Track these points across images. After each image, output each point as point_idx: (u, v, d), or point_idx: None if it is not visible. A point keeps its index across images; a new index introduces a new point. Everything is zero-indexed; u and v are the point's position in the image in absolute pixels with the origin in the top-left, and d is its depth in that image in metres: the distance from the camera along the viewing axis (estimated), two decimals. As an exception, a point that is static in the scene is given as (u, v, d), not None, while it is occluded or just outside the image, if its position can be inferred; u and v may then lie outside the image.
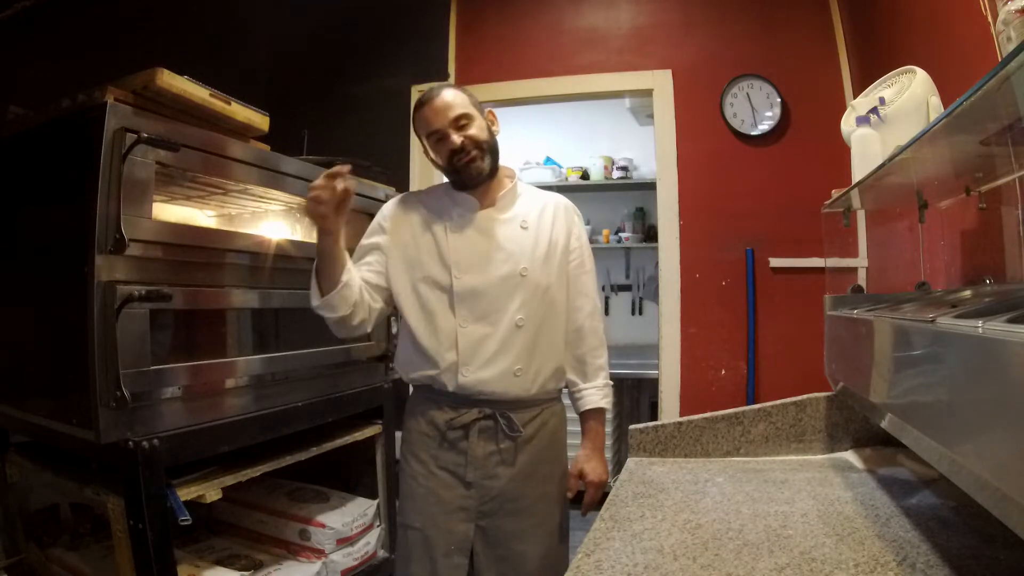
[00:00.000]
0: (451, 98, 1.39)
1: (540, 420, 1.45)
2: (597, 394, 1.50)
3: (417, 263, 1.42)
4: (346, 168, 1.28)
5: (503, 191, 1.46)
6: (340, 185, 1.26)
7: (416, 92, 3.08)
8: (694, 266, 2.80)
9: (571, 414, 1.57)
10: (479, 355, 1.37)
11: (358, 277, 1.39)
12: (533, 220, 1.46)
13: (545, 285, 1.43)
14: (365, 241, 1.48)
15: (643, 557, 0.93)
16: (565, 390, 1.55)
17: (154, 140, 1.41)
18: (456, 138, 1.37)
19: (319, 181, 1.26)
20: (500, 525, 1.39)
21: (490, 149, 1.42)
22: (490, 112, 1.47)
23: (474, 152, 1.38)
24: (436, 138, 1.40)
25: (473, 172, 1.40)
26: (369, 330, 1.50)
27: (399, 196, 1.54)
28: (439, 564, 1.37)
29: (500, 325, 1.38)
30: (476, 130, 1.39)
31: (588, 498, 1.50)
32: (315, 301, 1.36)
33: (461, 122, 1.38)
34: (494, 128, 1.47)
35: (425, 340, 1.40)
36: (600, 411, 1.51)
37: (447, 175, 1.46)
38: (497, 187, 1.47)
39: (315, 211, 1.27)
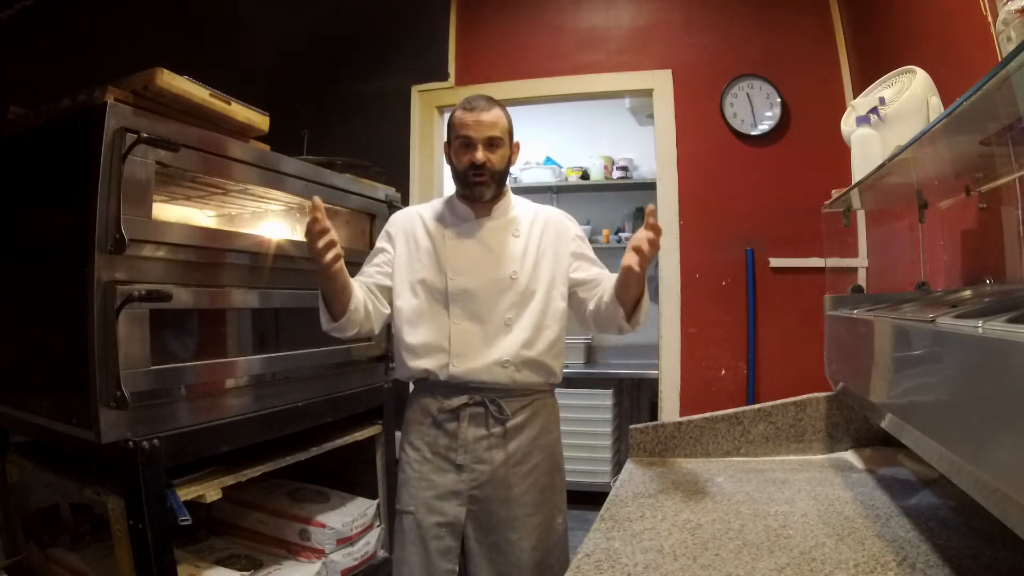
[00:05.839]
0: (495, 118, 1.49)
1: (531, 410, 1.50)
2: None
3: (416, 265, 1.52)
4: (319, 203, 1.30)
5: (498, 203, 1.56)
6: (318, 229, 1.29)
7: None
8: (694, 266, 2.80)
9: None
10: (469, 348, 1.46)
11: (363, 299, 1.46)
12: (524, 229, 1.55)
13: (533, 289, 1.50)
14: (377, 245, 1.61)
15: (643, 557, 0.93)
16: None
17: (154, 140, 1.41)
18: (481, 156, 1.46)
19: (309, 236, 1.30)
20: (491, 512, 1.45)
21: (500, 180, 1.52)
22: (517, 143, 1.57)
23: (486, 178, 1.48)
24: (464, 143, 1.48)
25: (476, 193, 1.51)
26: (376, 332, 1.59)
27: (405, 208, 1.69)
28: (430, 546, 1.43)
29: (490, 323, 1.47)
30: (498, 158, 1.50)
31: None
32: (326, 326, 1.45)
33: (492, 143, 1.48)
34: (513, 159, 1.56)
35: (420, 336, 1.48)
36: None
37: (456, 180, 1.55)
38: (493, 200, 1.55)
39: (318, 251, 1.30)
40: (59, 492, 1.83)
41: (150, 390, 1.45)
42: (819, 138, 2.61)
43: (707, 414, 1.51)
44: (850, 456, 1.45)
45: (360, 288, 1.48)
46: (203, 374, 1.64)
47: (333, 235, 1.31)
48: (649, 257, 1.28)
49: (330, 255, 1.31)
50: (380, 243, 1.60)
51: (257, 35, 3.15)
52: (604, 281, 1.50)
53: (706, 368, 2.79)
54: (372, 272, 1.55)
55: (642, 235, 1.27)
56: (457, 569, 1.44)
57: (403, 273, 1.53)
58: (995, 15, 1.02)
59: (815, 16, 2.74)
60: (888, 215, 2.17)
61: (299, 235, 2.21)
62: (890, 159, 1.21)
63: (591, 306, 1.50)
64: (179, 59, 1.60)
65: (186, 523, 1.45)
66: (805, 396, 1.50)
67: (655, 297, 3.27)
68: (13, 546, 1.77)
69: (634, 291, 1.38)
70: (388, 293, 1.53)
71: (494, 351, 1.45)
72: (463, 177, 1.50)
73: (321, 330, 1.48)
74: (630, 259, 1.29)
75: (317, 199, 1.31)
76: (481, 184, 1.49)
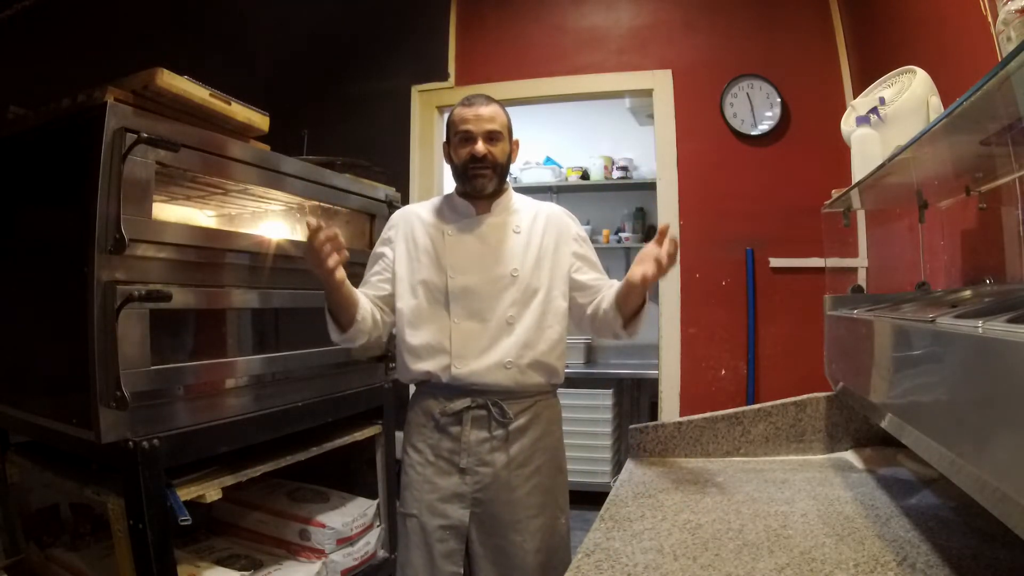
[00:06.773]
0: (494, 112, 1.50)
1: (533, 412, 1.49)
2: None
3: (416, 266, 1.51)
4: (314, 223, 1.30)
5: (498, 199, 1.55)
6: (323, 236, 1.29)
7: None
8: (694, 266, 2.80)
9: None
10: (471, 349, 1.44)
11: (369, 308, 1.48)
12: (525, 226, 1.54)
13: (535, 287, 1.49)
14: (375, 251, 1.60)
15: (643, 557, 0.93)
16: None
17: (154, 140, 1.41)
18: (481, 147, 1.47)
19: (313, 244, 1.30)
20: (495, 514, 1.44)
21: (501, 173, 1.52)
22: (516, 141, 1.57)
23: (488, 171, 1.48)
24: (464, 137, 1.48)
25: (478, 186, 1.50)
26: (384, 341, 1.60)
27: (404, 207, 1.66)
28: (435, 549, 1.43)
29: (491, 322, 1.46)
30: (499, 151, 1.50)
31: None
32: (336, 338, 1.47)
33: (492, 136, 1.48)
34: (513, 155, 1.56)
35: (421, 336, 1.47)
36: None
37: (455, 176, 1.54)
38: (493, 195, 1.55)
39: (319, 267, 1.32)
40: (59, 492, 1.83)
41: (150, 390, 1.45)
42: (819, 138, 2.61)
43: (707, 414, 1.51)
44: (850, 456, 1.44)
45: (365, 298, 1.48)
46: (203, 374, 1.64)
47: (340, 239, 1.31)
48: (666, 271, 1.28)
49: (332, 261, 1.31)
50: (379, 248, 1.59)
51: (257, 35, 3.15)
52: (603, 288, 1.51)
53: (706, 368, 2.79)
54: (374, 282, 1.55)
55: (656, 250, 1.27)
56: (461, 571, 1.44)
57: (404, 274, 1.52)
58: (995, 15, 1.02)
59: (815, 16, 2.74)
60: (888, 215, 2.17)
61: (299, 235, 2.21)
62: (890, 159, 1.21)
63: (588, 311, 1.50)
64: (179, 59, 1.60)
65: (186, 523, 1.45)
66: (805, 396, 1.50)
67: (655, 297, 3.27)
68: (13, 546, 1.77)
69: (635, 301, 1.40)
70: (391, 300, 1.53)
71: (496, 351, 1.44)
72: (463, 171, 1.49)
73: (321, 331, 1.48)
74: (647, 268, 1.28)
75: (311, 219, 1.32)
76: (482, 176, 1.48)
